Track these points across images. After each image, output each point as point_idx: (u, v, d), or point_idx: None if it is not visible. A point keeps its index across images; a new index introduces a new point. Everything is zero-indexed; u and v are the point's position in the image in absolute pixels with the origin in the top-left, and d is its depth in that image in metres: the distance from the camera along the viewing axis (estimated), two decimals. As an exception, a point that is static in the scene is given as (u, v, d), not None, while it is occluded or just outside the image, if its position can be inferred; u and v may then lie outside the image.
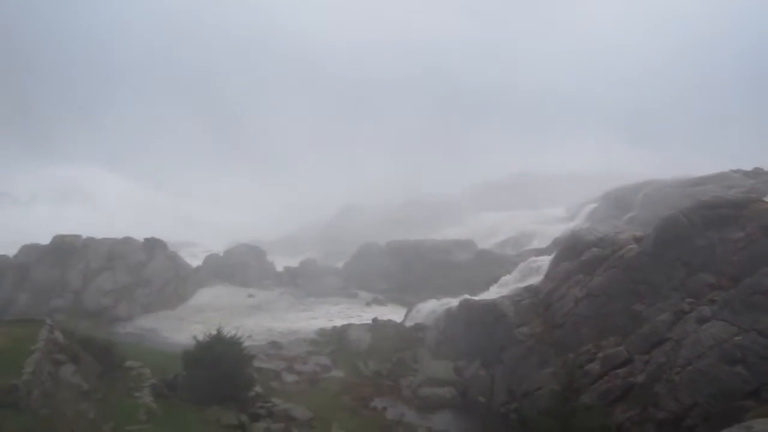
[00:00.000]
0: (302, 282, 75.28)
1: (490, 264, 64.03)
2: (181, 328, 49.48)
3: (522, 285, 45.49)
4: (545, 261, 47.25)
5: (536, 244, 72.24)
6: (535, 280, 44.49)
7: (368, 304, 64.34)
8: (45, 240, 60.66)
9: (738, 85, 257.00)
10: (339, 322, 51.62)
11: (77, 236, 61.67)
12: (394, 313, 55.82)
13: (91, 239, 61.83)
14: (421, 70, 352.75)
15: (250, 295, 66.20)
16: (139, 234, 65.97)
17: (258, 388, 30.28)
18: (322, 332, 49.00)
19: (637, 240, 35.32)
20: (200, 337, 28.00)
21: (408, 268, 71.90)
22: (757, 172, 53.86)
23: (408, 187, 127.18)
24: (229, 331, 28.99)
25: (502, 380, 34.83)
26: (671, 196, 51.22)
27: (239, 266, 75.20)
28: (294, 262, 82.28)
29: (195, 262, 75.46)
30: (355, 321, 51.57)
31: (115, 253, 61.00)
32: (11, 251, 60.12)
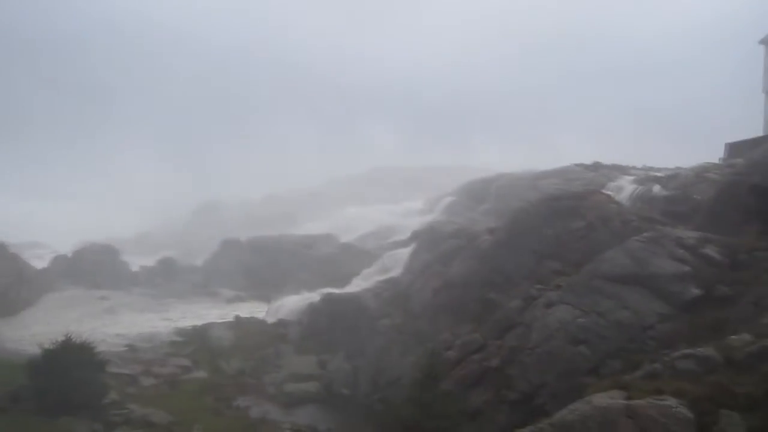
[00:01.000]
0: (160, 281, 72.45)
1: (353, 258, 64.75)
2: (26, 335, 46.03)
3: (383, 278, 46.59)
4: (405, 253, 48.62)
5: (397, 237, 73.89)
6: (396, 272, 45.69)
7: (230, 301, 63.12)
8: None
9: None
10: (200, 322, 50.16)
11: None
12: (257, 310, 55.09)
13: None
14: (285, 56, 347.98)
15: (103, 297, 62.75)
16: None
17: (113, 395, 28.91)
18: (181, 332, 47.41)
19: (491, 231, 37.16)
20: (47, 344, 26.31)
21: (270, 264, 71.18)
22: (596, 166, 58.08)
23: (267, 182, 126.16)
24: (79, 336, 27.45)
25: (366, 372, 35.43)
26: (521, 189, 54.22)
27: (90, 267, 71.14)
28: (150, 261, 79.02)
29: (41, 264, 70.48)
30: (217, 319, 50.37)
31: (-55, 257, 55.73)
32: None
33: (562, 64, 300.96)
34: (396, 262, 50.18)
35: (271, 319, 49.21)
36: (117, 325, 50.90)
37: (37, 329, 47.71)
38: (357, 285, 50.66)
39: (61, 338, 26.70)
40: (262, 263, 72.23)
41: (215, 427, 29.15)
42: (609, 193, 37.16)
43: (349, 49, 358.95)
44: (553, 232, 32.39)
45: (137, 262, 78.80)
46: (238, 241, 78.88)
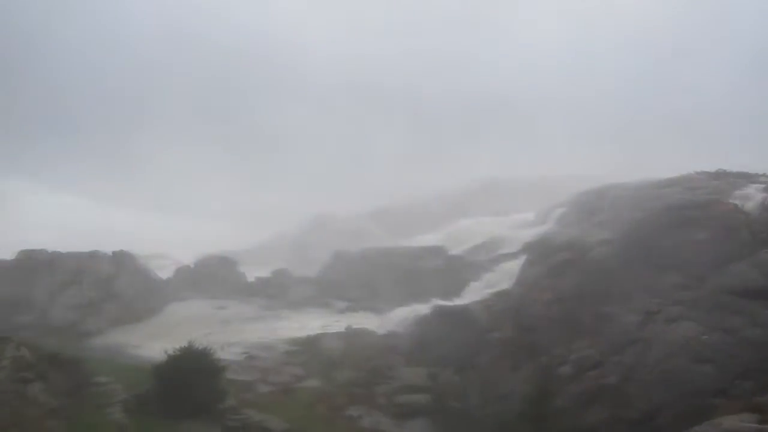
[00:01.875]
0: (274, 292, 74.62)
1: (462, 270, 64.29)
2: (152, 341, 48.70)
3: (493, 290, 45.90)
4: (516, 266, 47.72)
5: (507, 249, 72.62)
6: (506, 285, 44.90)
7: (341, 312, 64.06)
8: (7, 255, 59.46)
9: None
10: (312, 332, 51.26)
11: (43, 251, 60.54)
12: (367, 321, 55.64)
13: (57, 254, 60.69)
14: (381, 72, 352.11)
15: (221, 307, 65.43)
16: (108, 248, 64.96)
17: (231, 400, 29.99)
18: (295, 342, 48.62)
19: (606, 243, 35.85)
20: (171, 351, 27.69)
21: (381, 275, 71.80)
22: (720, 174, 54.83)
23: (377, 195, 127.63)
24: (200, 343, 28.72)
25: (476, 385, 35.00)
26: (638, 199, 51.93)
27: (210, 278, 74.33)
28: (266, 273, 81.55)
29: (165, 274, 74.44)
30: (329, 330, 51.30)
31: (82, 268, 59.94)
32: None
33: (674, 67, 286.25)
34: (506, 275, 49.32)
35: (381, 331, 49.54)
36: (234, 333, 52.83)
37: (161, 336, 50.43)
38: (467, 297, 50.17)
39: (183, 345, 28.02)
40: (373, 275, 72.99)
41: (328, 436, 29.66)
42: (735, 202, 34.89)
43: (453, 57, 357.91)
44: (673, 244, 30.85)
45: (253, 273, 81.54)
46: (349, 252, 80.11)
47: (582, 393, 27.74)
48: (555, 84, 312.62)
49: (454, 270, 65.60)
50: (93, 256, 62.39)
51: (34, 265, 58.47)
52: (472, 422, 33.25)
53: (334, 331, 50.40)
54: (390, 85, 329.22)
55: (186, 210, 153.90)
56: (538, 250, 41.13)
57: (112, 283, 60.44)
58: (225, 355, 39.47)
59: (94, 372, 28.47)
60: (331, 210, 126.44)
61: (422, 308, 48.77)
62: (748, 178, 50.61)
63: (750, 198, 39.82)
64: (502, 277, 49.95)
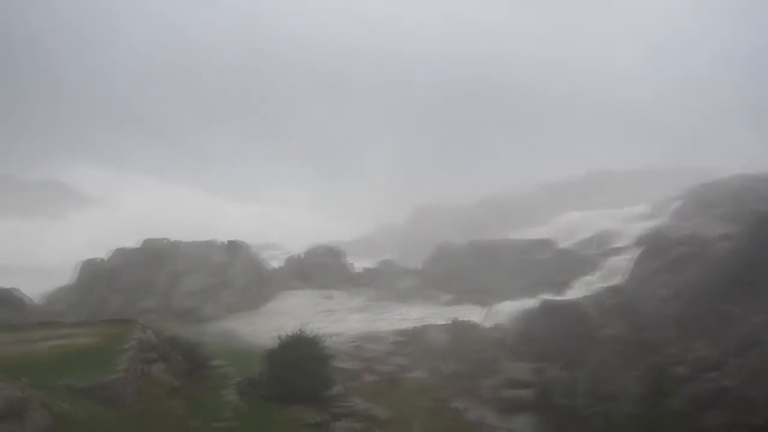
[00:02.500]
0: (380, 283, 75.57)
1: (571, 264, 62.62)
2: (264, 328, 50.55)
3: (604, 285, 44.46)
4: (628, 260, 46.00)
5: (618, 243, 70.19)
6: (618, 280, 43.38)
7: (447, 304, 63.97)
8: (133, 244, 63.46)
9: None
10: (418, 323, 51.57)
11: (165, 240, 64.15)
12: (472, 314, 55.29)
13: (177, 242, 64.14)
14: (482, 69, 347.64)
15: (329, 297, 67.04)
16: (222, 237, 68.02)
17: (338, 388, 30.60)
18: (401, 333, 49.06)
19: (728, 238, 33.88)
20: (282, 337, 28.57)
21: (486, 268, 71.07)
22: None
23: (481, 187, 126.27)
24: (309, 331, 29.46)
25: (585, 382, 34.02)
26: (762, 191, 48.78)
27: (318, 268, 76.22)
28: (372, 263, 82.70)
29: (276, 263, 77.03)
30: (434, 322, 51.40)
31: (200, 256, 63.05)
32: (104, 255, 63.20)
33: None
34: (618, 270, 47.63)
35: (487, 324, 49.11)
36: (342, 322, 54.00)
37: (273, 323, 52.26)
38: (576, 292, 48.92)
39: (293, 332, 28.86)
40: (478, 267, 72.38)
41: (434, 427, 29.75)
42: None
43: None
44: (805, 240, 28.73)
45: (360, 263, 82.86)
46: (455, 244, 79.86)
47: (699, 395, 26.40)
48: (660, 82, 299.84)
49: (563, 264, 63.98)
50: (209, 245, 65.49)
51: (156, 253, 62.06)
52: (579, 421, 32.38)
53: (440, 323, 50.45)
54: (493, 81, 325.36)
55: (291, 202, 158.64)
56: (654, 245, 39.39)
57: (227, 271, 63.17)
58: (332, 343, 40.38)
59: (211, 355, 29.84)
60: (436, 201, 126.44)
61: (529, 302, 47.90)
62: None
63: None
64: (614, 272, 48.32)
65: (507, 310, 50.19)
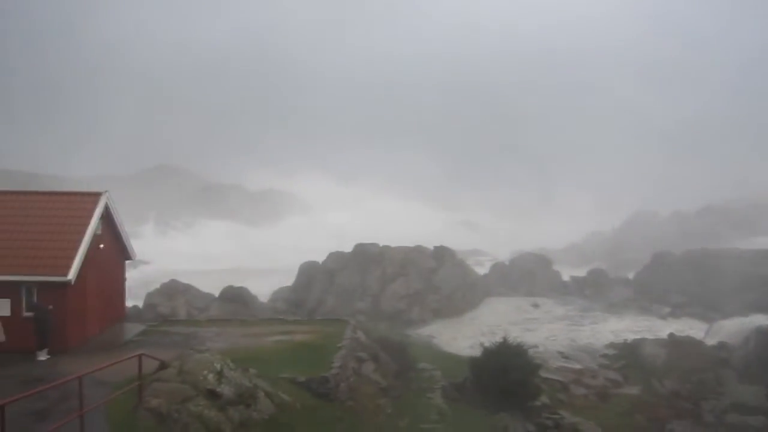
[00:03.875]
0: (590, 293, 72.59)
1: (810, 278, 55.50)
2: (469, 333, 50.90)
3: None
4: None
5: None
6: None
7: (662, 318, 59.79)
8: (346, 248, 67.09)
9: None
10: (630, 336, 48.75)
11: (375, 245, 66.94)
12: (691, 330, 51.20)
13: (386, 247, 66.61)
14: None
15: (535, 305, 65.71)
16: (428, 243, 69.51)
17: (545, 399, 29.90)
18: (612, 346, 46.76)
19: None
20: (487, 344, 28.56)
21: (708, 280, 65.34)
22: None
23: (703, 192, 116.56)
24: (515, 339, 29.13)
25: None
26: None
27: (525, 275, 75.05)
28: (581, 272, 79.79)
29: (481, 270, 77.09)
30: (649, 336, 48.27)
31: (408, 261, 64.90)
32: (320, 258, 67.60)
33: None
34: None
35: (710, 341, 45.15)
36: (549, 332, 52.65)
37: (478, 329, 52.43)
38: (819, 310, 43.29)
39: (499, 340, 28.72)
40: (698, 279, 66.80)
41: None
42: None
43: None
44: None
45: (568, 272, 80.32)
46: (672, 254, 74.52)
47: None
48: None
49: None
50: (417, 250, 67.22)
51: (367, 257, 65.02)
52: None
53: (655, 337, 47.27)
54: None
55: (493, 208, 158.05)
56: None
57: (433, 276, 64.42)
58: (538, 353, 39.51)
59: (418, 358, 30.70)
60: (652, 208, 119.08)
61: (760, 319, 43.23)
62: None
63: None
64: None
65: (734, 327, 45.80)
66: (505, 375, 26.44)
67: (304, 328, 29.21)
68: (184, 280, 59.99)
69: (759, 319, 43.53)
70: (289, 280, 66.96)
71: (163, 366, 17.39)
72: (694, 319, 57.80)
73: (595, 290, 73.06)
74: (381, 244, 67.05)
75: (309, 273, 65.53)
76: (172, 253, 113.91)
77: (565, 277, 78.01)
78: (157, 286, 58.00)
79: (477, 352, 29.10)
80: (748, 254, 68.17)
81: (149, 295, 55.66)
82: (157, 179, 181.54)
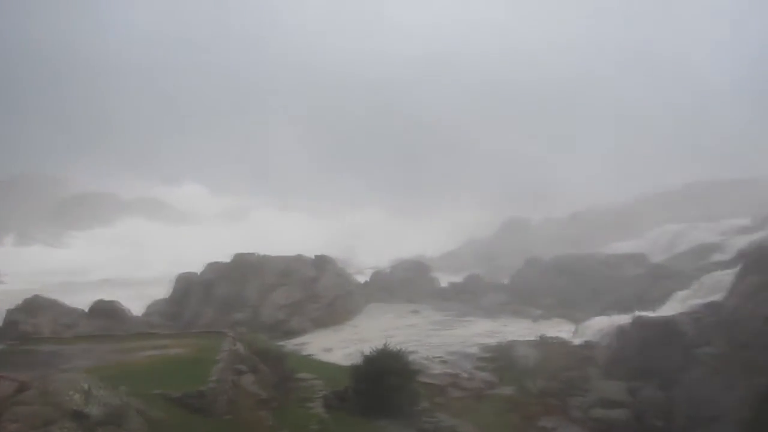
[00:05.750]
0: (466, 297, 75.07)
1: (665, 279, 60.15)
2: (350, 341, 51.11)
3: (701, 301, 42.50)
4: (728, 275, 43.81)
5: (717, 257, 67.07)
6: (717, 296, 41.35)
7: (534, 320, 62.82)
8: (224, 258, 65.53)
9: None
10: (504, 338, 50.81)
11: (254, 254, 65.89)
12: (561, 330, 54.12)
13: (266, 257, 65.74)
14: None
15: (414, 311, 67.08)
16: (309, 252, 69.29)
17: (424, 403, 30.48)
18: (487, 348, 48.47)
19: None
20: (367, 351, 28.74)
21: (576, 283, 69.45)
22: None
23: (573, 200, 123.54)
24: (394, 345, 29.51)
25: (682, 404, 32.48)
26: None
27: (404, 282, 76.56)
28: (458, 278, 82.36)
29: (362, 278, 77.81)
30: (521, 337, 50.52)
31: (288, 270, 64.38)
32: (198, 269, 65.65)
33: None
34: (717, 285, 45.38)
35: (577, 341, 47.86)
36: (428, 338, 53.81)
37: (359, 337, 52.77)
38: (670, 308, 46.91)
39: (379, 346, 28.98)
40: (567, 283, 70.84)
41: (521, 446, 29.15)
42: None
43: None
44: None
45: (446, 278, 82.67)
46: (542, 259, 78.57)
47: (810, 420, 24.74)
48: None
49: (657, 279, 61.57)
50: (297, 259, 66.84)
51: (246, 267, 63.85)
52: (677, 443, 30.99)
53: (527, 339, 49.53)
54: (584, 89, 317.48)
55: (371, 217, 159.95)
56: (757, 259, 37.25)
57: (314, 285, 64.25)
58: (418, 358, 40.28)
59: (298, 368, 30.41)
60: (524, 215, 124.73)
61: (622, 319, 46.31)
62: None
63: None
64: (713, 288, 46.06)
65: (598, 326, 48.75)
66: (384, 381, 26.71)
67: (180, 342, 28.21)
68: (50, 294, 56.30)
69: (620, 319, 46.52)
70: (164, 293, 64.57)
71: (22, 387, 16.15)
72: (563, 320, 61.07)
73: (471, 295, 75.65)
74: (261, 254, 66.11)
75: (186, 284, 63.46)
76: (36, 266, 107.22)
77: (444, 284, 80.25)
78: (19, 302, 53.99)
79: (358, 360, 29.21)
80: (611, 258, 73.03)
81: (10, 312, 51.61)
82: (17, 189, 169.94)
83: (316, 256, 68.32)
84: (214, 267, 64.69)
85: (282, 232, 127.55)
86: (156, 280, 76.00)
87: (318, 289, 63.87)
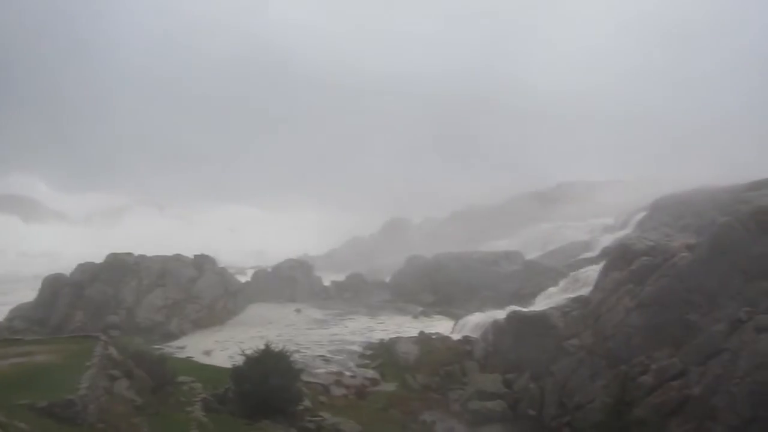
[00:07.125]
0: (349, 296, 75.54)
1: (538, 275, 63.21)
2: (231, 342, 50.06)
3: (571, 296, 44.90)
4: (594, 271, 46.54)
5: (585, 254, 71.13)
6: (584, 291, 43.84)
7: (415, 317, 64.12)
8: (98, 259, 62.21)
9: None
10: (386, 336, 51.53)
11: (130, 254, 63.03)
12: (441, 326, 55.54)
13: (142, 257, 63.13)
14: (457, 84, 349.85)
15: (297, 310, 66.68)
16: (188, 252, 67.20)
17: (307, 402, 30.38)
18: (369, 346, 49.03)
19: (690, 248, 34.51)
20: (249, 352, 28.27)
21: (455, 280, 71.48)
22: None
23: (452, 201, 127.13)
24: (277, 345, 29.20)
25: (553, 393, 34.29)
26: (725, 203, 49.78)
27: (287, 281, 75.92)
28: (341, 277, 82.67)
29: (244, 278, 76.44)
30: (403, 334, 51.40)
31: (166, 270, 62.14)
32: (67, 270, 61.92)
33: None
34: (585, 280, 48.22)
35: (456, 336, 49.27)
36: (310, 336, 53.67)
37: (240, 337, 51.75)
38: (543, 303, 49.32)
39: (261, 347, 28.57)
40: (446, 280, 72.78)
41: (402, 440, 29.65)
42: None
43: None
44: (764, 250, 29.35)
45: (329, 277, 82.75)
46: (423, 257, 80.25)
47: (664, 404, 26.77)
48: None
49: (531, 275, 64.57)
50: (176, 259, 64.61)
51: (121, 268, 60.95)
52: (548, 431, 32.62)
53: (409, 335, 50.45)
54: (466, 95, 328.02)
55: (254, 217, 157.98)
56: (618, 256, 39.89)
57: (194, 285, 62.40)
58: (300, 357, 40.11)
59: (177, 371, 29.39)
60: (405, 215, 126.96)
61: (497, 314, 48.18)
62: None
63: None
64: (580, 283, 48.88)
65: (475, 321, 50.41)
66: (266, 382, 26.38)
67: (47, 348, 26.47)
68: None
69: (496, 314, 48.35)
70: (30, 296, 60.41)
71: None
72: (443, 316, 62.72)
73: (354, 294, 76.21)
74: (136, 254, 63.40)
75: (54, 287, 59.54)
76: None
77: (326, 282, 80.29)
78: None
79: (239, 361, 28.66)
80: (489, 256, 75.64)
81: None
82: None
83: (195, 256, 66.37)
84: (84, 268, 61.18)
85: (163, 233, 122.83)
86: (22, 282, 71.11)
87: (197, 289, 62.09)
